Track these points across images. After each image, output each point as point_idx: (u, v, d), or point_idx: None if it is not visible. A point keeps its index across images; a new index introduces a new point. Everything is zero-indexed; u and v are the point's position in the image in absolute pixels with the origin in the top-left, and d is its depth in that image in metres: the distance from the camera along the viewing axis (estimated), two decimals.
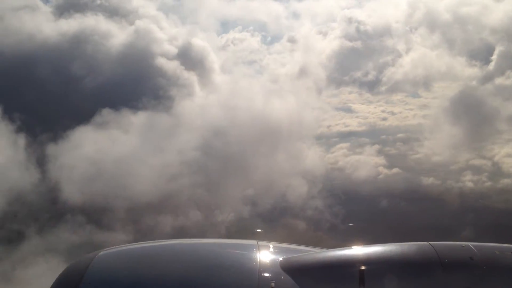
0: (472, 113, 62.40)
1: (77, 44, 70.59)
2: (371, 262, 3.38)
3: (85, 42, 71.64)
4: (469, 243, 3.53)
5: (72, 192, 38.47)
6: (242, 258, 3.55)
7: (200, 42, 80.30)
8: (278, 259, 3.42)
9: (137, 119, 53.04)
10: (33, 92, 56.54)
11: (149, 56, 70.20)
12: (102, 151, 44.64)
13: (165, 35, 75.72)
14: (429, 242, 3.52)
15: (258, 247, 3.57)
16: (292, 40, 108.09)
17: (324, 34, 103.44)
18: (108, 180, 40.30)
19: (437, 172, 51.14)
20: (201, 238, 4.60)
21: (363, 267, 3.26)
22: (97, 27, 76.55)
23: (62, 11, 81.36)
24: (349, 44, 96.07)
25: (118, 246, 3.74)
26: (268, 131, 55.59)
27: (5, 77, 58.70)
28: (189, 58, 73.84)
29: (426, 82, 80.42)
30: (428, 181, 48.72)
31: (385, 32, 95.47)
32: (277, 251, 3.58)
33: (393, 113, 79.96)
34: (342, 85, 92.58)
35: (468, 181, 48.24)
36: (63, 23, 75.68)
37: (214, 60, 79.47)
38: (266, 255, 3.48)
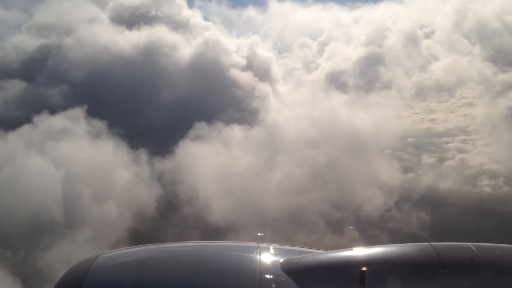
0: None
1: (148, 56, 70.67)
2: (372, 263, 3.36)
3: (156, 54, 71.77)
4: (470, 244, 3.52)
5: (201, 208, 37.99)
6: (243, 260, 3.55)
7: (265, 52, 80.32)
8: (279, 261, 3.43)
9: (233, 132, 52.63)
10: (118, 106, 56.38)
11: (221, 67, 70.07)
12: (215, 165, 44.13)
13: (233, 46, 75.51)
14: (430, 243, 3.52)
15: (259, 249, 3.57)
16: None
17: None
18: (233, 195, 39.80)
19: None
20: (202, 241, 4.39)
21: (364, 268, 3.24)
22: (165, 39, 76.78)
23: (119, 23, 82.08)
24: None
25: (119, 248, 3.75)
26: (355, 141, 54.87)
27: (88, 89, 58.90)
28: (257, 68, 73.76)
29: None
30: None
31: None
32: (278, 252, 3.58)
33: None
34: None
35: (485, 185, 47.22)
36: (132, 35, 76.10)
37: (278, 70, 79.46)
38: (267, 256, 3.48)
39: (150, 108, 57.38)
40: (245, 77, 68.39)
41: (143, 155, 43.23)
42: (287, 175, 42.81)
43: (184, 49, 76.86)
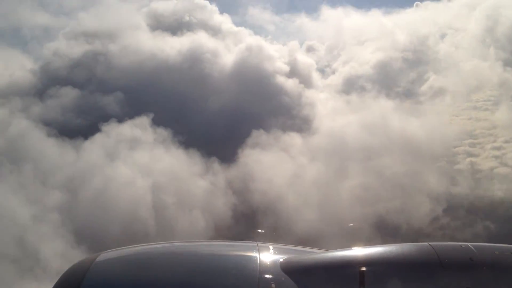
0: None
1: (193, 62, 70.89)
2: (371, 263, 3.34)
3: (200, 61, 72.00)
4: (469, 244, 3.50)
5: (278, 217, 38.01)
6: (242, 260, 3.52)
7: (306, 58, 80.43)
8: (278, 260, 3.40)
9: (291, 140, 52.66)
10: (174, 113, 56.56)
11: (266, 74, 70.15)
12: (284, 174, 44.16)
13: (276, 53, 75.65)
14: (429, 243, 3.49)
15: (258, 248, 3.55)
16: None
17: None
18: (307, 203, 39.81)
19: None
20: (201, 240, 4.31)
21: (363, 268, 3.23)
22: (206, 45, 77.13)
23: (156, 29, 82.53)
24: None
25: (119, 247, 3.67)
26: (411, 148, 54.61)
27: (141, 97, 59.18)
28: (300, 75, 73.89)
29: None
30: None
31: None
32: (277, 252, 3.56)
33: None
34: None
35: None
36: (174, 41, 76.49)
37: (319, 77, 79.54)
38: (266, 256, 3.46)
39: (203, 116, 57.53)
40: (291, 84, 68.56)
41: (214, 163, 43.26)
42: (357, 183, 42.81)
43: (225, 55, 77.33)
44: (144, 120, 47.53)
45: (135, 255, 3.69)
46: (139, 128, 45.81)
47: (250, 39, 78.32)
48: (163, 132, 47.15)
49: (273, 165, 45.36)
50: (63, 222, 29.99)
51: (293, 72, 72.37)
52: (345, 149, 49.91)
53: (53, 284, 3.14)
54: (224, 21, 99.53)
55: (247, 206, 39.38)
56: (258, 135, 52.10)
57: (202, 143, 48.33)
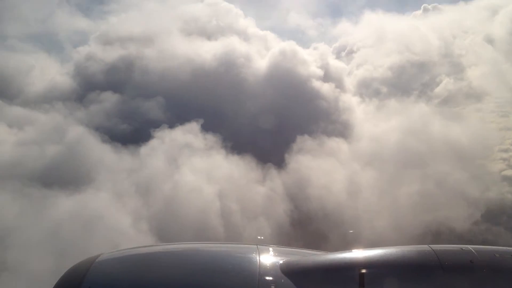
0: None
1: (228, 67, 71.02)
2: (372, 265, 3.32)
3: (234, 65, 72.12)
4: (469, 246, 3.48)
5: (340, 223, 37.89)
6: (242, 262, 3.50)
7: (337, 62, 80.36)
8: (278, 262, 3.40)
9: (337, 145, 52.54)
10: (217, 118, 56.57)
11: (301, 78, 70.13)
12: (337, 180, 44.05)
13: (310, 57, 75.63)
14: (430, 245, 3.47)
15: (258, 251, 3.53)
16: None
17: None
18: (367, 210, 39.66)
19: None
20: (201, 242, 4.23)
21: (363, 271, 3.21)
22: (238, 49, 77.28)
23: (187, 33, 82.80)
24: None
25: (118, 249, 3.62)
26: (455, 152, 54.18)
27: (183, 102, 59.37)
28: (333, 79, 73.80)
29: None
30: None
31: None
32: (277, 254, 3.56)
33: None
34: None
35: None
36: (206, 46, 76.74)
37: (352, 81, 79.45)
38: (266, 258, 3.46)
39: (246, 121, 57.54)
40: (327, 88, 68.50)
41: (268, 169, 43.24)
42: (410, 188, 42.56)
43: (258, 59, 77.44)
44: (194, 126, 47.60)
45: (135, 257, 3.69)
46: (190, 134, 45.83)
47: (283, 43, 77.65)
48: (211, 138, 47.26)
49: (325, 170, 45.33)
50: (141, 229, 30.13)
51: (327, 76, 72.58)
52: (391, 154, 49.90)
53: (53, 285, 3.14)
54: (249, 24, 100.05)
55: (306, 212, 39.36)
56: (303, 141, 52.06)
57: (250, 149, 48.23)
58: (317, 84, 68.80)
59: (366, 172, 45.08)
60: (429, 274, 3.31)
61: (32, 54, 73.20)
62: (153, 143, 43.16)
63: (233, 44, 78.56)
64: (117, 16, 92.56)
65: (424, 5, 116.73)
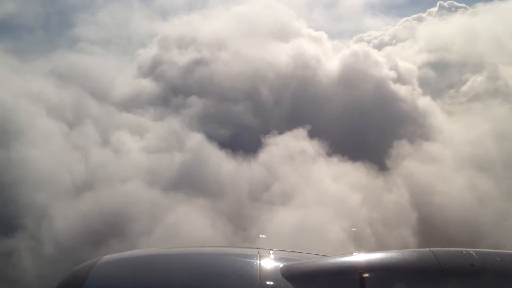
0: None
1: (302, 69, 70.92)
2: (372, 268, 3.29)
3: (307, 67, 72.00)
4: (470, 250, 3.44)
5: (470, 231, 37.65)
6: (243, 266, 3.46)
7: (407, 64, 79.73)
8: (279, 266, 3.39)
9: (433, 149, 52.23)
10: (308, 122, 56.56)
11: (377, 80, 69.66)
12: (452, 185, 43.73)
13: (382, 58, 75.15)
14: (430, 249, 3.44)
15: (259, 254, 3.51)
16: None
17: None
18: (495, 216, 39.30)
19: None
20: (202, 246, 4.22)
21: (364, 274, 3.17)
22: (308, 51, 77.12)
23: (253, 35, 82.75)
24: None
25: (119, 252, 3.57)
26: None
27: (271, 105, 59.57)
28: (405, 81, 73.26)
29: None
30: None
31: None
32: (278, 258, 3.54)
33: None
34: None
35: None
36: (277, 48, 76.65)
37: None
38: (267, 262, 3.44)
39: (338, 124, 57.45)
40: (405, 91, 68.04)
41: (384, 176, 43.16)
42: None
43: (326, 61, 77.21)
44: (301, 132, 47.76)
45: (135, 260, 3.65)
46: (302, 141, 45.97)
47: (356, 46, 77.13)
48: (318, 144, 47.30)
49: (437, 176, 45.12)
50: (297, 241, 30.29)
51: (401, 78, 72.08)
52: (495, 158, 49.35)
53: (53, 287, 3.12)
54: (302, 25, 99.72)
55: (432, 219, 39.25)
56: (401, 145, 51.90)
57: (356, 154, 48.25)
58: (395, 87, 68.34)
59: (480, 177, 44.81)
60: (430, 278, 3.29)
61: (106, 57, 73.26)
62: (271, 149, 43.34)
63: (302, 46, 78.42)
64: (185, 19, 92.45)
65: (440, 2, 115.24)
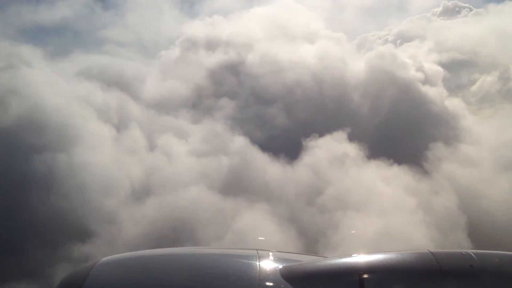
0: None
1: (329, 70, 70.80)
2: (372, 270, 3.29)
3: (334, 68, 71.88)
4: (469, 251, 3.43)
5: None
6: (242, 267, 3.46)
7: (432, 65, 79.53)
8: (278, 268, 3.37)
9: (473, 153, 52.13)
10: (339, 123, 56.52)
11: (407, 82, 69.47)
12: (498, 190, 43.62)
13: (409, 60, 75.01)
14: (429, 250, 3.43)
15: (258, 256, 3.49)
16: None
17: None
18: None
19: None
20: (201, 247, 4.46)
21: (363, 275, 3.17)
22: (333, 53, 77.01)
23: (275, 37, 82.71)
24: None
25: (118, 254, 3.58)
26: None
27: (302, 107, 59.56)
28: (432, 82, 73.14)
29: None
30: None
31: None
32: (277, 259, 3.52)
33: None
34: None
35: None
36: (302, 49, 76.64)
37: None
38: (266, 263, 3.42)
39: (371, 127, 57.43)
40: (435, 92, 67.93)
41: (430, 179, 43.12)
42: None
43: (351, 62, 77.12)
44: (341, 134, 47.78)
45: (134, 261, 3.65)
46: (342, 143, 46.00)
47: (382, 47, 77.00)
48: (358, 146, 47.28)
49: (477, 178, 45.05)
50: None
51: (428, 80, 71.90)
52: None
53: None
54: (320, 26, 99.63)
55: (480, 222, 39.20)
56: (437, 147, 51.88)
57: (397, 157, 48.26)
58: (424, 88, 68.21)
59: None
60: (429, 279, 3.29)
61: (131, 59, 73.37)
62: (314, 152, 43.38)
63: (328, 47, 78.35)
64: (208, 20, 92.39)
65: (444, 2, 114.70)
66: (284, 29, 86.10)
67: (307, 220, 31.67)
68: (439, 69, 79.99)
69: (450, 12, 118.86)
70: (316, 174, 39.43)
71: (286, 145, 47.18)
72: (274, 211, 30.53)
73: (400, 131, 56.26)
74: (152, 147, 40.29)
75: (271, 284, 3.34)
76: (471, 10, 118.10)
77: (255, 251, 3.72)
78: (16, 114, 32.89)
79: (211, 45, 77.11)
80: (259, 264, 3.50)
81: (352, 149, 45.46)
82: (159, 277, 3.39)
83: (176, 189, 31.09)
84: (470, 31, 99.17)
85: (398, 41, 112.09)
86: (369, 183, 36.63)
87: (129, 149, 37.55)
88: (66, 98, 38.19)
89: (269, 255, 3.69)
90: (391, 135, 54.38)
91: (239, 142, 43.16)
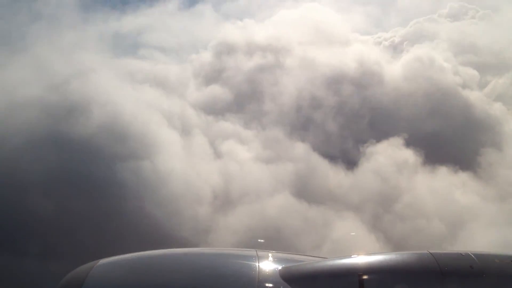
0: None
1: (365, 74, 70.71)
2: (371, 271, 3.27)
3: (373, 73, 71.82)
4: (469, 252, 3.40)
5: None
6: (241, 267, 3.45)
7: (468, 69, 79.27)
8: (277, 268, 3.38)
9: None
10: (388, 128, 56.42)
11: (448, 86, 69.29)
12: None
13: (447, 64, 74.79)
14: (429, 251, 3.40)
15: (258, 256, 3.49)
16: None
17: None
18: None
19: None
20: (200, 247, 3.30)
21: (363, 276, 3.15)
22: (369, 56, 77.00)
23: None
24: None
25: (117, 255, 3.55)
26: None
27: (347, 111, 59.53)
28: (469, 86, 72.93)
29: None
30: None
31: None
32: (277, 260, 3.51)
33: None
34: None
35: None
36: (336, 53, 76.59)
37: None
38: (266, 264, 3.42)
39: (421, 132, 57.08)
40: (476, 97, 67.73)
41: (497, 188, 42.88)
42: None
43: (388, 66, 77.01)
44: (397, 140, 47.74)
45: (133, 263, 3.64)
46: (402, 149, 45.95)
47: (420, 51, 76.87)
48: (415, 153, 47.19)
49: None
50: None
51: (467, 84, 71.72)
52: None
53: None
54: (347, 29, 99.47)
55: None
56: (489, 153, 51.75)
57: (452, 163, 48.14)
58: (465, 93, 68.03)
59: None
60: (429, 280, 3.28)
61: (168, 63, 73.43)
62: (377, 158, 43.35)
63: (362, 51, 78.36)
64: (239, 24, 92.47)
65: (450, 3, 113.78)
66: (315, 32, 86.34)
67: (390, 229, 31.62)
68: (475, 72, 79.84)
69: (457, 14, 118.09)
70: (384, 180, 39.38)
71: (342, 151, 47.21)
72: (362, 219, 30.59)
73: (449, 137, 56.16)
74: (217, 153, 40.38)
75: (270, 285, 3.33)
76: (477, 11, 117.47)
77: (255, 252, 3.71)
78: (97, 122, 33.05)
79: (247, 49, 77.23)
80: (258, 265, 3.49)
81: (411, 155, 45.40)
82: (158, 278, 3.39)
83: (260, 197, 31.15)
84: (481, 33, 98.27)
85: (405, 43, 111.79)
86: (441, 190, 36.56)
87: (198, 156, 37.65)
88: (137, 105, 38.34)
89: (268, 256, 3.68)
90: (444, 141, 54.22)
91: (301, 148, 43.07)
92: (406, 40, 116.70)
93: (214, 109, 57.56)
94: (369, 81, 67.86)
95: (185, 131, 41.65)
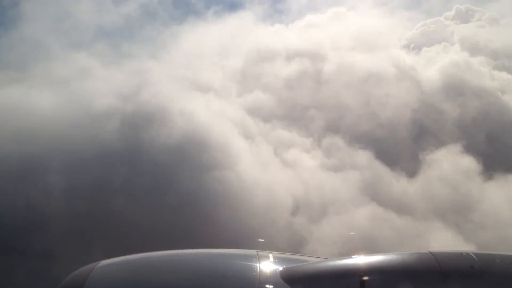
0: None
1: (411, 80, 70.47)
2: (372, 271, 3.35)
3: (411, 78, 71.66)
4: (470, 252, 3.50)
5: None
6: (242, 268, 3.52)
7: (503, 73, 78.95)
8: (278, 269, 3.48)
9: None
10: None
11: (487, 91, 69.00)
12: None
13: (484, 68, 74.54)
14: (430, 251, 3.48)
15: (258, 257, 3.57)
16: None
17: None
18: None
19: None
20: (201, 249, 4.02)
21: (363, 277, 3.23)
22: (403, 61, 76.88)
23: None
24: None
25: (118, 257, 3.55)
26: None
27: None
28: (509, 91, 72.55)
29: None
30: None
31: None
32: (278, 260, 3.63)
33: None
34: None
35: None
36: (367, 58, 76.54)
37: None
38: (266, 265, 3.53)
39: (473, 138, 56.73)
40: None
41: None
42: None
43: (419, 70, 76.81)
44: (456, 147, 47.56)
45: (134, 264, 3.67)
46: (463, 156, 45.75)
47: (456, 56, 76.71)
48: (472, 160, 46.92)
49: None
50: None
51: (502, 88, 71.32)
52: None
53: None
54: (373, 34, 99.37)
55: None
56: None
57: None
58: (505, 98, 67.72)
59: None
60: (429, 280, 3.31)
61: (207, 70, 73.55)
62: (440, 166, 43.23)
63: (396, 55, 78.28)
64: (270, 29, 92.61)
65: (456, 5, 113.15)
66: (346, 38, 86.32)
67: (474, 238, 31.42)
68: (510, 77, 79.43)
69: (464, 16, 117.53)
70: (453, 188, 39.23)
71: (402, 158, 47.03)
72: (451, 229, 30.46)
73: (502, 144, 55.77)
74: (283, 162, 40.32)
75: (271, 285, 3.35)
76: (484, 13, 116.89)
77: (255, 253, 3.75)
78: (179, 131, 33.07)
79: (284, 54, 77.23)
80: (259, 266, 3.53)
81: (472, 161, 45.20)
82: (158, 279, 3.41)
83: (346, 207, 31.07)
84: (491, 35, 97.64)
85: (412, 45, 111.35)
86: None
87: (268, 165, 37.62)
88: (209, 113, 38.34)
89: (269, 257, 3.73)
90: (499, 148, 53.89)
91: (363, 156, 42.95)
92: (413, 42, 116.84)
93: (264, 117, 57.61)
94: (410, 86, 67.74)
95: (249, 139, 41.64)
